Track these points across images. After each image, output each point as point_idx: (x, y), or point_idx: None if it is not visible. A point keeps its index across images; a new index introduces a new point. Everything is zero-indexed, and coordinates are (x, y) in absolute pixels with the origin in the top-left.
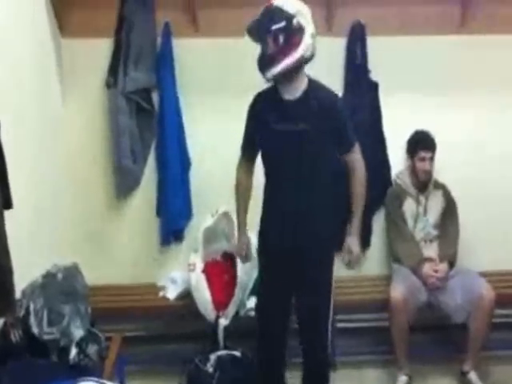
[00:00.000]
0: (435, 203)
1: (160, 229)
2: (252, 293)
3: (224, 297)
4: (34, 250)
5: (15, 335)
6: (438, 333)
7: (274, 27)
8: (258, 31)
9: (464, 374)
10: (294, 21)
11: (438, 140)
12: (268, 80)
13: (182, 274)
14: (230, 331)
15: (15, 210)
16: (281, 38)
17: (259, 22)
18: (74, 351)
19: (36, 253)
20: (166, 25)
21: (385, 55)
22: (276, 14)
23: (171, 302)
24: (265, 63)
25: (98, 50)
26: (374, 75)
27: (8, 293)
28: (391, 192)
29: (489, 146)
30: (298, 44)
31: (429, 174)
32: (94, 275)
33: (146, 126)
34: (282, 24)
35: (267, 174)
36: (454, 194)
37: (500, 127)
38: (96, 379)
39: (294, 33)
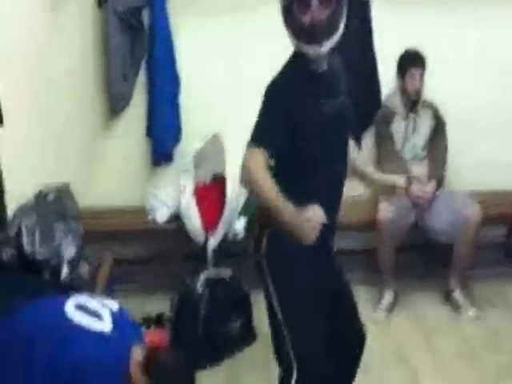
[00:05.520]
0: (424, 122)
1: (150, 150)
2: (240, 214)
3: (213, 219)
4: (24, 169)
5: (7, 253)
6: (424, 252)
7: None
8: None
9: (449, 292)
10: None
11: (429, 58)
12: (319, 55)
13: (172, 196)
14: (219, 252)
15: (5, 128)
16: None
17: None
18: (65, 270)
19: (26, 172)
20: None
21: None
22: None
23: (160, 224)
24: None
25: None
26: None
27: None
28: (380, 112)
29: (482, 65)
30: None
31: (419, 92)
32: (83, 197)
33: (136, 45)
34: None
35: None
36: (443, 113)
37: (495, 43)
38: (89, 294)
39: None
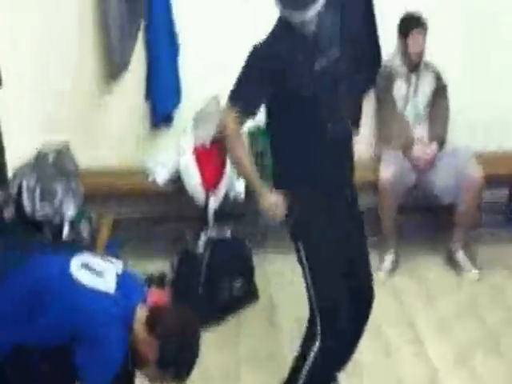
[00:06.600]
0: (426, 84)
1: (149, 112)
2: None
3: (214, 179)
4: (24, 129)
5: (8, 213)
6: (426, 214)
7: None
8: None
9: (451, 253)
10: None
11: (430, 20)
12: (306, 20)
13: (172, 157)
14: (220, 213)
15: (5, 89)
16: None
17: None
18: (66, 229)
19: (26, 132)
20: None
21: None
22: None
23: (161, 186)
24: None
25: None
26: None
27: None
28: (382, 73)
29: (483, 28)
30: None
31: (421, 54)
32: (82, 158)
33: (134, 6)
34: None
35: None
36: (445, 75)
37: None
38: (93, 253)
39: None
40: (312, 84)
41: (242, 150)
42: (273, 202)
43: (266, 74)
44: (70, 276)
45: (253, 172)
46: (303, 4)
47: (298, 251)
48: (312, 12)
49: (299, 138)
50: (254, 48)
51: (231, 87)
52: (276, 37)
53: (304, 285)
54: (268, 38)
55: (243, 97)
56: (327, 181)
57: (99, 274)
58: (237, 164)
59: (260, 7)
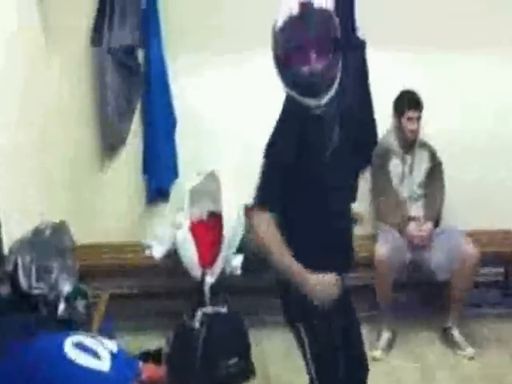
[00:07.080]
0: (421, 163)
1: (146, 187)
2: (238, 251)
3: (210, 255)
4: (19, 206)
5: (4, 289)
6: (421, 290)
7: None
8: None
9: (446, 331)
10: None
11: (425, 98)
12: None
13: (168, 232)
14: (216, 288)
15: (1, 166)
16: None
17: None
18: (62, 306)
19: (22, 209)
20: None
21: (373, 11)
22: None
23: (157, 260)
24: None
25: (83, 7)
26: (362, 32)
27: None
28: (377, 152)
29: (477, 104)
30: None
31: (416, 133)
32: (79, 233)
33: (131, 84)
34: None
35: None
36: (440, 153)
37: (489, 85)
38: (88, 333)
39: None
40: (323, 169)
41: (280, 247)
42: (324, 282)
43: (282, 170)
44: (64, 356)
45: (293, 261)
46: (316, 92)
47: (297, 331)
48: (324, 101)
49: (309, 221)
50: (270, 145)
51: (256, 189)
52: (286, 127)
53: (300, 358)
54: (279, 128)
55: (270, 199)
56: (336, 265)
57: (93, 352)
58: (278, 262)
59: (256, 88)
